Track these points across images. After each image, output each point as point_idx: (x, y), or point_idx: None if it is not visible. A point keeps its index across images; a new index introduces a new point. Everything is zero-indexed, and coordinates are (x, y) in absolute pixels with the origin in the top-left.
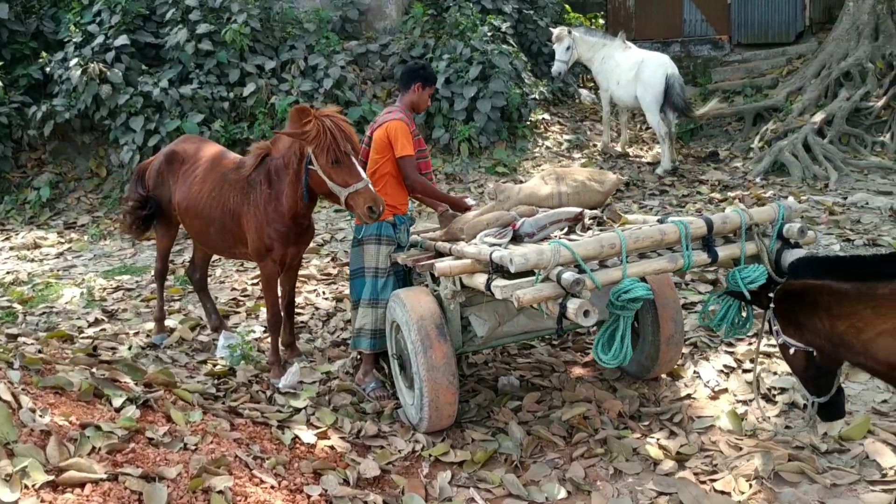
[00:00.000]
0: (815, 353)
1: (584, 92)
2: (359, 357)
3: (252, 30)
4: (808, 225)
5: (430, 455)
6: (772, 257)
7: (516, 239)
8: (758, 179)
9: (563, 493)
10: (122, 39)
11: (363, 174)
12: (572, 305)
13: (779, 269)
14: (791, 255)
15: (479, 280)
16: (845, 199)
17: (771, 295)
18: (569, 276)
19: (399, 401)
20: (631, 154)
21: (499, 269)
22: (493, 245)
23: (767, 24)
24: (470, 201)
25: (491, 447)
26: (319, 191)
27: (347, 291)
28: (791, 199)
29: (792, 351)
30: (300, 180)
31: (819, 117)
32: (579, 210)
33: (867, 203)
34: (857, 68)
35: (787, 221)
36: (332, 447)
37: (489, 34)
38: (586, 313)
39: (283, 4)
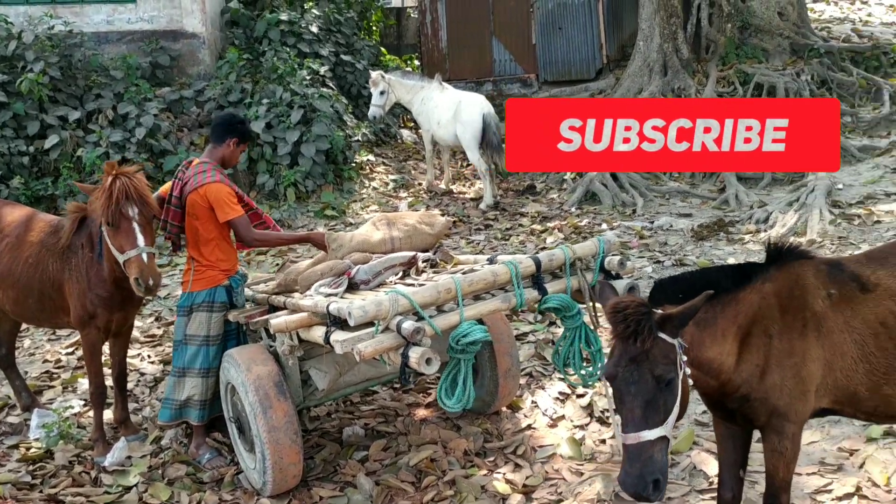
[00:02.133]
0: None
1: (405, 132)
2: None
3: (51, 78)
4: (622, 250)
5: None
6: (596, 289)
7: (352, 287)
8: (573, 209)
9: None
10: None
11: (140, 241)
12: (414, 354)
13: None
14: (615, 286)
15: (318, 333)
16: (652, 223)
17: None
18: (409, 325)
19: (240, 466)
20: (455, 191)
21: (337, 322)
22: (329, 295)
23: (570, 61)
24: (321, 230)
25: (340, 503)
26: (112, 254)
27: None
28: (610, 233)
29: (688, 372)
30: None
31: None
32: (412, 254)
33: (671, 226)
34: None
35: (607, 255)
36: None
37: (308, 78)
38: (428, 361)
39: (85, 51)
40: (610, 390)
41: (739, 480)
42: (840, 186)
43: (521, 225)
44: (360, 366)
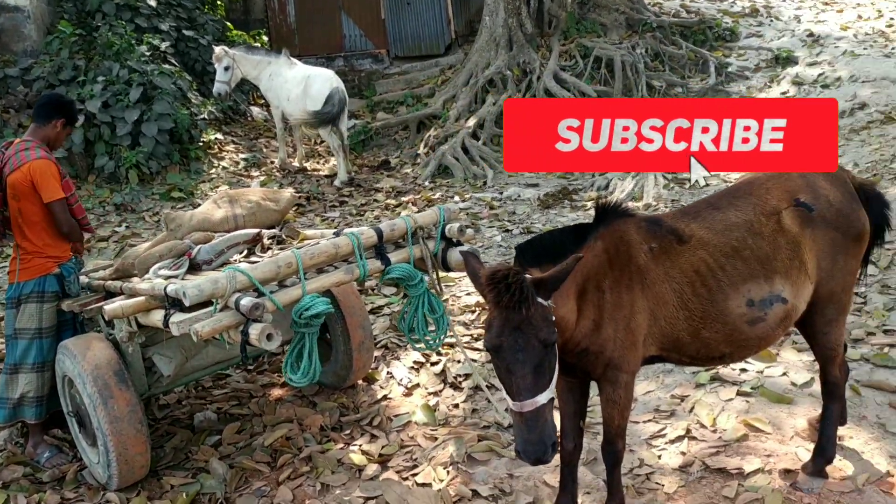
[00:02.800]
0: None
1: (255, 109)
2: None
3: None
4: (474, 220)
5: None
6: (439, 256)
7: (194, 268)
8: (426, 183)
9: None
10: None
11: None
12: (254, 331)
13: (445, 265)
14: (456, 253)
15: (157, 317)
16: (501, 193)
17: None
18: (247, 301)
19: (83, 462)
20: (309, 168)
21: (176, 304)
22: (169, 278)
23: (419, 37)
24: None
25: (193, 490)
26: None
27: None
28: (450, 203)
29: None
30: None
31: (472, 122)
32: (256, 231)
33: (519, 195)
34: (498, 76)
35: (448, 223)
36: None
37: (147, 54)
38: (269, 337)
39: None
40: (487, 359)
41: (580, 431)
42: None
43: (376, 200)
44: (209, 349)
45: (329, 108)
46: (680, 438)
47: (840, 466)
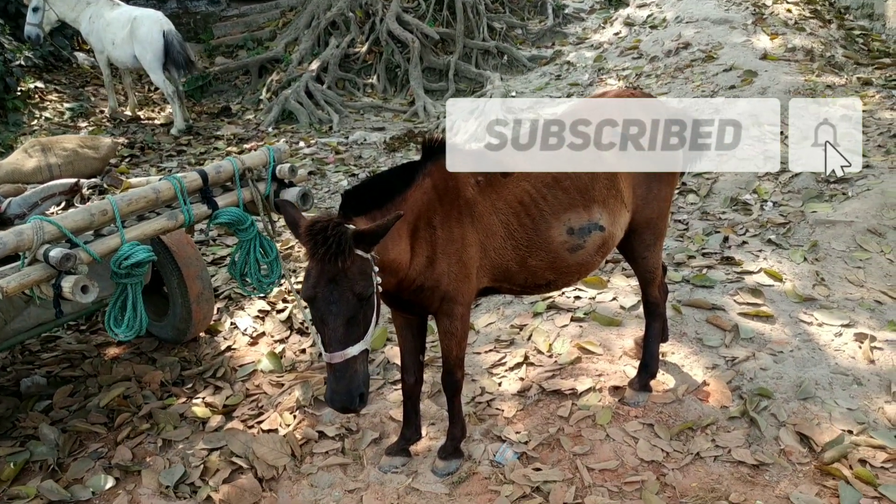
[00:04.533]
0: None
1: (80, 55)
2: None
3: None
4: (319, 166)
5: None
6: (271, 198)
7: (5, 223)
8: (270, 129)
9: (110, 483)
10: None
11: None
12: (67, 284)
13: (278, 208)
14: (288, 194)
15: None
16: (347, 138)
17: (383, 227)
18: (57, 252)
19: None
20: (143, 117)
21: None
22: None
23: None
24: None
25: (21, 458)
26: None
27: None
28: (282, 142)
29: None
30: None
31: (315, 65)
32: (74, 181)
33: (365, 140)
34: (341, 18)
35: (278, 163)
36: None
37: None
38: (84, 289)
39: None
40: (308, 309)
41: (420, 365)
42: (513, 94)
43: (216, 149)
44: (30, 309)
45: (177, 55)
46: (518, 365)
47: (663, 381)
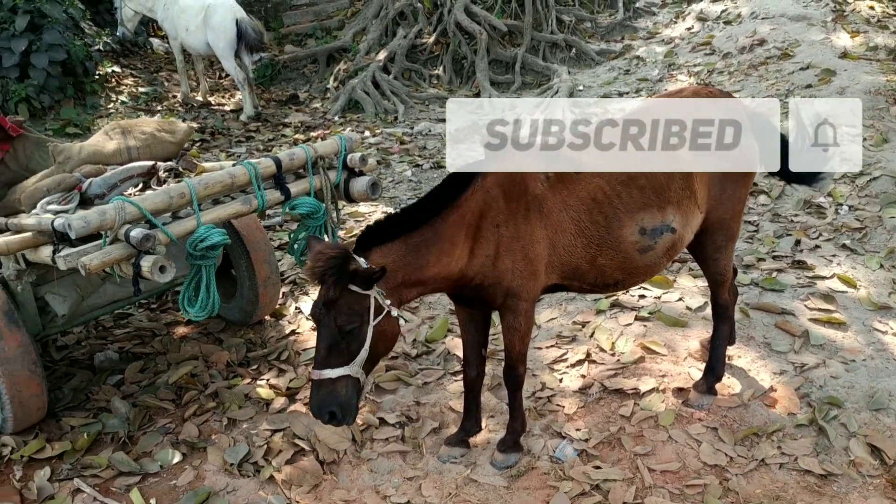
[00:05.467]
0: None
1: (155, 41)
2: None
3: None
4: (384, 156)
5: (21, 456)
6: (340, 186)
7: (86, 203)
8: (336, 118)
9: (177, 457)
10: None
11: None
12: (146, 263)
13: (348, 196)
14: (358, 183)
15: (45, 253)
16: (412, 129)
17: (375, 276)
18: (137, 232)
19: None
20: (213, 102)
21: (65, 238)
22: (59, 213)
23: None
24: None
25: (94, 430)
26: None
27: None
28: (349, 131)
29: (395, 314)
30: None
31: (383, 55)
32: (152, 163)
33: (430, 131)
34: (409, 8)
35: (349, 152)
36: None
37: None
38: (162, 269)
39: None
40: None
41: (482, 359)
42: (581, 88)
43: (283, 136)
44: (106, 287)
45: (253, 41)
46: (580, 362)
47: (728, 384)
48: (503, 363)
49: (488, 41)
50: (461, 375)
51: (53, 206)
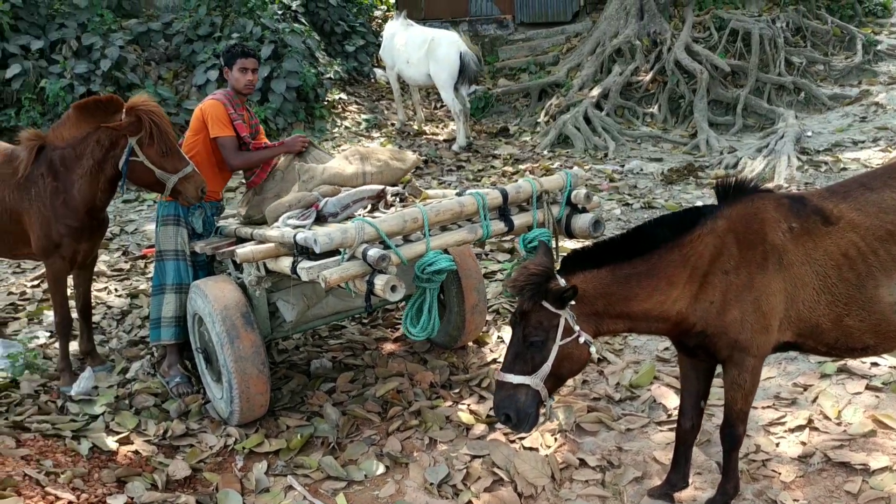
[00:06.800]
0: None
1: (378, 71)
2: (160, 354)
3: (12, 6)
4: (592, 191)
5: (243, 448)
6: (562, 222)
7: (320, 220)
8: (545, 152)
9: (381, 469)
10: None
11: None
12: (379, 282)
13: (569, 232)
14: (581, 220)
15: (285, 263)
16: (623, 166)
17: (566, 295)
18: (374, 252)
19: (206, 396)
20: (427, 132)
21: (304, 251)
22: (297, 227)
23: (547, 4)
24: (296, 137)
25: (307, 432)
26: (140, 181)
27: (142, 287)
28: (576, 168)
29: (582, 340)
30: (103, 171)
31: (596, 92)
32: (381, 187)
33: (642, 169)
34: (626, 45)
35: (574, 188)
36: (136, 452)
37: (279, 12)
38: (394, 288)
39: None
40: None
41: (700, 411)
42: (809, 134)
43: (493, 167)
44: (328, 299)
45: (472, 74)
46: (801, 428)
47: None
48: (718, 419)
49: (709, 81)
50: (667, 426)
51: (293, 221)
